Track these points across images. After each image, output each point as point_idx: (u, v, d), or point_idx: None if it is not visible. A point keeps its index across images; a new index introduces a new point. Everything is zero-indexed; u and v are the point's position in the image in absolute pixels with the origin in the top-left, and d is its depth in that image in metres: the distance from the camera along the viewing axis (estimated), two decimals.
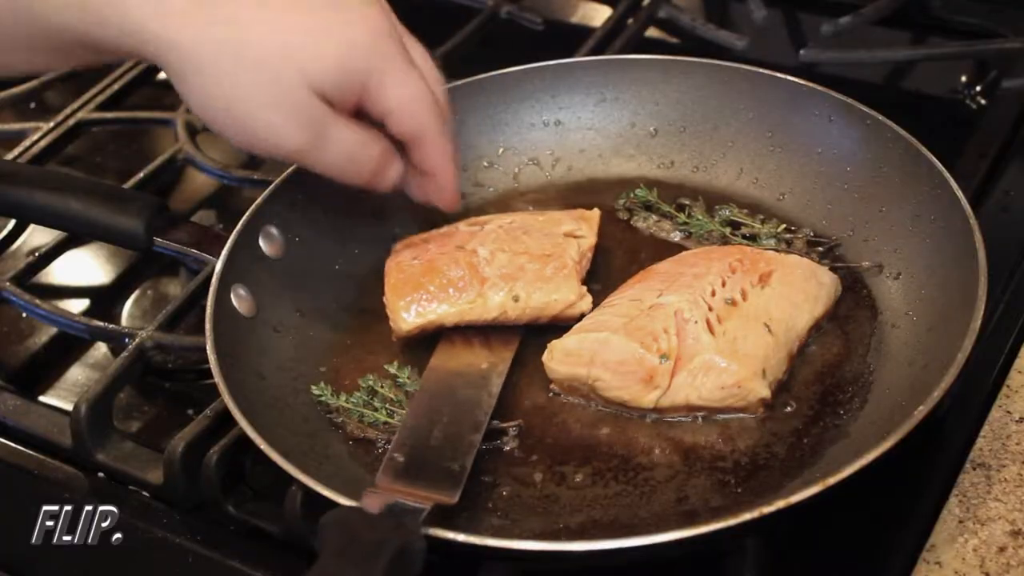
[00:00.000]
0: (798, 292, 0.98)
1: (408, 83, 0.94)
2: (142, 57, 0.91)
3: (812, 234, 1.08)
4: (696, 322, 0.94)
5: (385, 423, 0.95)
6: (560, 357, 0.96)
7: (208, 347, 0.94)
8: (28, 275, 1.18)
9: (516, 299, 1.01)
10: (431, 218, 1.11)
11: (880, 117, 1.07)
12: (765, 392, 0.92)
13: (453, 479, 0.86)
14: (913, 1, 1.39)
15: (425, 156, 0.98)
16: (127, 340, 1.06)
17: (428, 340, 1.03)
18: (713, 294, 0.96)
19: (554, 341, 0.97)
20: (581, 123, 1.20)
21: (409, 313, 1.01)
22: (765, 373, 0.93)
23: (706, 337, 0.93)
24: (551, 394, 0.98)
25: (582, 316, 1.00)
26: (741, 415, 0.93)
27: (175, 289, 1.19)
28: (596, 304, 1.01)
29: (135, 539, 0.96)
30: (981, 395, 0.95)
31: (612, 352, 0.93)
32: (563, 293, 1.01)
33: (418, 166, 1.00)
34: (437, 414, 0.93)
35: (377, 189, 0.99)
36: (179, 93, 0.93)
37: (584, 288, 1.03)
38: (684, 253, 1.04)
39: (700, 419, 0.94)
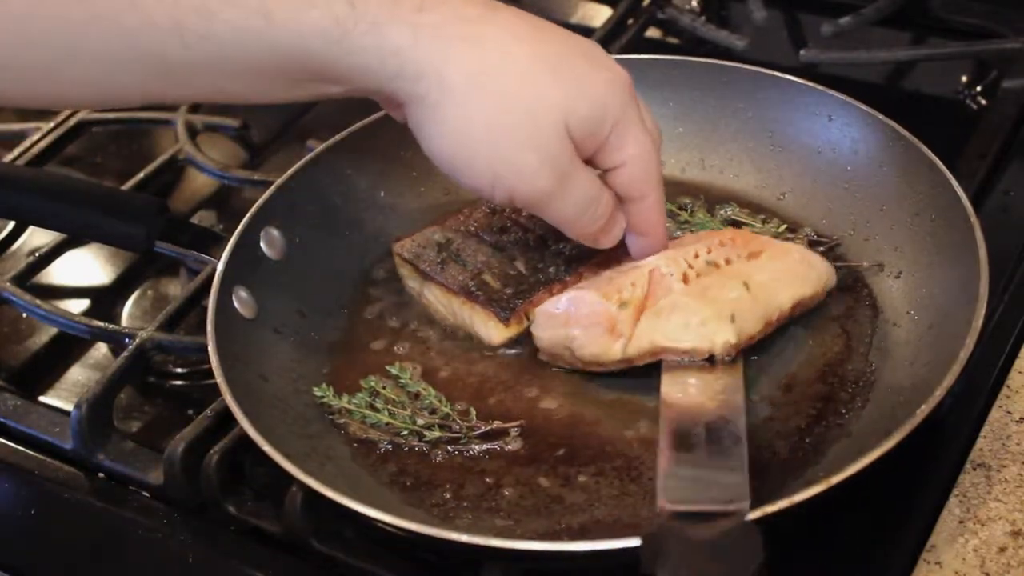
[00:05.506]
0: (786, 270, 0.98)
1: (642, 139, 0.91)
2: (379, 89, 0.85)
3: (813, 233, 1.08)
4: (672, 275, 0.94)
5: (387, 424, 0.95)
6: (542, 321, 0.98)
7: (210, 349, 0.94)
8: (28, 275, 1.18)
9: None
10: (431, 218, 1.11)
11: (880, 117, 1.08)
12: (731, 336, 0.92)
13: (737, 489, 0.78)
14: (913, 1, 1.39)
15: (642, 216, 0.95)
16: (127, 340, 1.06)
17: (430, 340, 1.04)
18: (697, 256, 0.96)
19: (537, 307, 0.99)
20: None
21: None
22: (733, 319, 0.92)
23: (678, 285, 0.94)
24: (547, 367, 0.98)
25: None
26: (714, 366, 0.92)
27: (175, 289, 1.19)
28: None
29: (135, 539, 0.96)
30: (981, 395, 0.95)
31: (581, 307, 0.95)
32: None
33: (632, 224, 0.96)
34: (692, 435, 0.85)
35: (598, 246, 0.96)
36: (418, 127, 0.88)
37: None
38: (682, 237, 1.05)
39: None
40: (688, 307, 0.92)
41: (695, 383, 0.91)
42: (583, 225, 0.93)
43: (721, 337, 0.92)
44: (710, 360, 0.93)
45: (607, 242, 0.96)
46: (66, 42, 0.79)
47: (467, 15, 0.85)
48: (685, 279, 0.94)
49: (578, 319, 0.95)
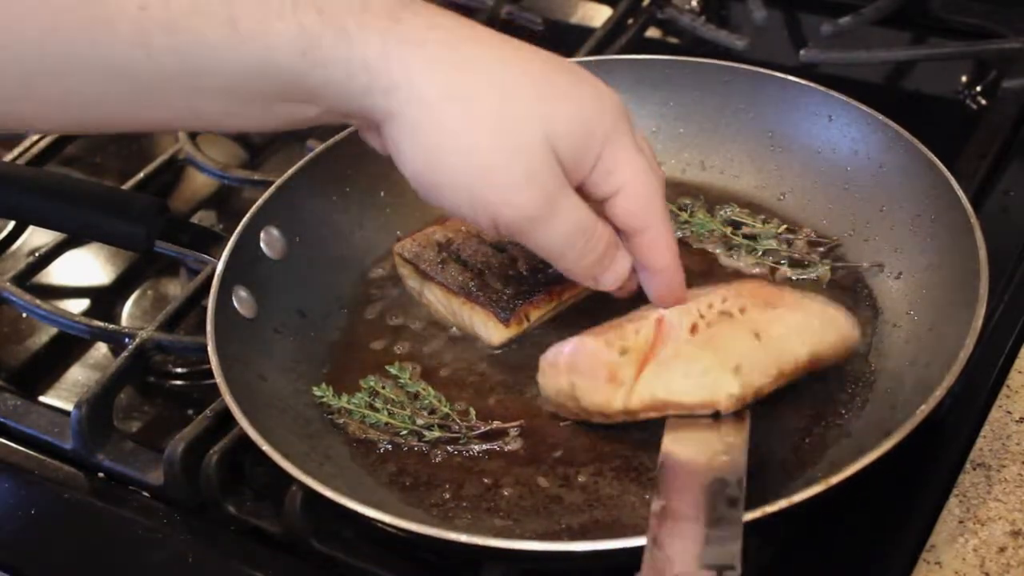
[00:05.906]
0: (803, 323, 0.92)
1: (636, 162, 0.84)
2: (350, 108, 0.80)
3: (813, 234, 1.08)
4: (680, 325, 0.90)
5: (387, 424, 0.96)
6: (546, 369, 0.94)
7: (210, 349, 0.94)
8: (28, 275, 1.18)
9: None
10: (431, 218, 1.11)
11: (880, 117, 1.08)
12: (734, 387, 0.86)
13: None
14: (913, 1, 1.39)
15: (649, 249, 0.88)
16: (127, 340, 1.06)
17: (430, 340, 1.04)
18: (711, 307, 0.92)
19: (541, 356, 0.95)
20: None
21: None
22: (739, 370, 0.87)
23: (685, 335, 0.89)
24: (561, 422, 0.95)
25: None
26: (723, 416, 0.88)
27: (175, 289, 1.19)
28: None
29: (135, 539, 0.96)
30: (981, 395, 0.95)
31: (582, 355, 0.91)
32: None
33: (639, 260, 0.89)
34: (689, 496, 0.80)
35: (599, 287, 0.89)
36: (394, 147, 0.82)
37: None
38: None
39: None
40: (690, 356, 0.87)
41: (696, 442, 0.85)
42: (574, 258, 0.86)
43: (724, 389, 0.86)
44: (715, 415, 0.87)
45: (608, 282, 0.89)
46: (38, 54, 0.75)
47: (440, 23, 0.81)
48: (694, 329, 0.89)
49: (579, 367, 0.91)
